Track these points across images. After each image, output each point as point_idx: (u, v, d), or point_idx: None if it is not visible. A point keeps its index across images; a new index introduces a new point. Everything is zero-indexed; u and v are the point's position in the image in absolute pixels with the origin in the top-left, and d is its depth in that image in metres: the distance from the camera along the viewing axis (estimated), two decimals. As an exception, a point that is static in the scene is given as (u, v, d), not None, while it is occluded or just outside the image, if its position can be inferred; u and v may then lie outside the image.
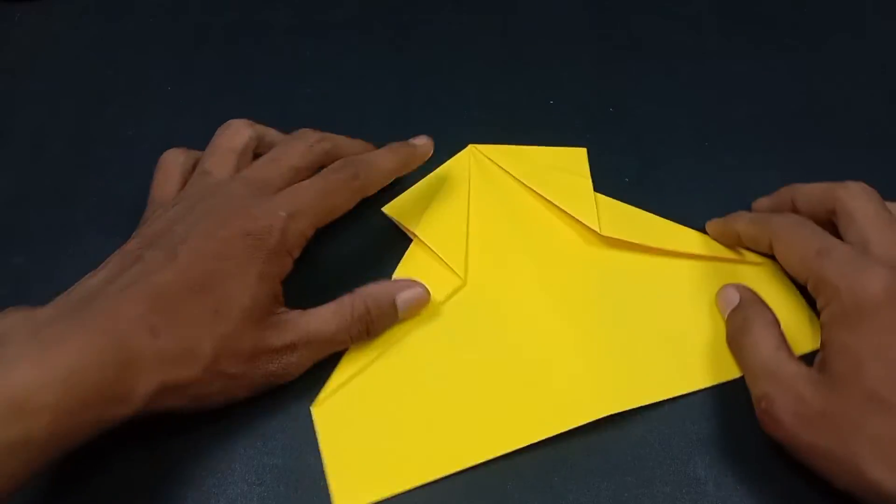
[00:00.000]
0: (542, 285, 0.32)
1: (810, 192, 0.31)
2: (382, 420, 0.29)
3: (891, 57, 0.42)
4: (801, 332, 0.30)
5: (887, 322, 0.24)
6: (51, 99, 0.41)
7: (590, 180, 0.35)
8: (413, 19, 0.44)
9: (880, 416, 0.23)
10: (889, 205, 0.29)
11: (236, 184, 0.29)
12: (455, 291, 0.32)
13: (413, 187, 0.36)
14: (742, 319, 0.29)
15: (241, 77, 0.42)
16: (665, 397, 0.29)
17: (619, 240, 0.33)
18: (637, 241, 0.32)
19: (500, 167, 0.36)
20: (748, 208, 0.35)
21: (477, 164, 0.36)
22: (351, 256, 0.34)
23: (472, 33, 0.44)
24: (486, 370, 0.30)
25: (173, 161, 0.32)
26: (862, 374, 0.24)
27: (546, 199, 0.34)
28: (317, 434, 0.28)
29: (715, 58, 0.42)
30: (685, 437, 0.28)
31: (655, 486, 0.27)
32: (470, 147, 0.37)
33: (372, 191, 0.30)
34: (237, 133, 0.32)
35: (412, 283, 0.30)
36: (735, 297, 0.30)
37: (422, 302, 0.30)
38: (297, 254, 0.28)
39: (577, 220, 0.33)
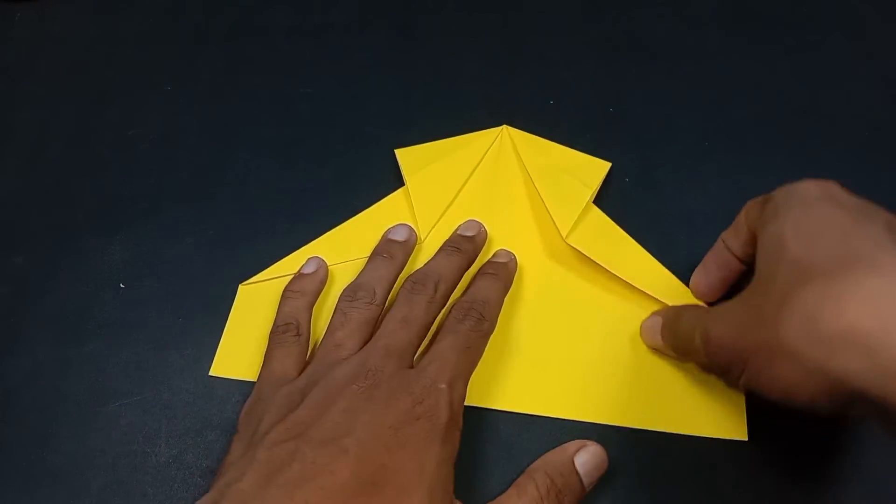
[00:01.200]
0: None
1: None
2: None
3: (891, 57, 0.42)
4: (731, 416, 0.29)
5: (813, 212, 0.24)
6: (51, 99, 0.41)
7: (591, 191, 0.34)
8: (413, 19, 0.44)
9: (804, 285, 0.22)
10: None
11: (378, 358, 0.26)
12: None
13: (433, 143, 0.37)
14: (673, 314, 0.29)
15: (241, 77, 0.42)
16: (561, 416, 0.29)
17: (587, 263, 0.32)
18: (599, 261, 0.31)
19: (517, 153, 0.36)
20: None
21: (499, 144, 0.37)
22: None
23: (472, 33, 0.43)
24: None
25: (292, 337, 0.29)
26: (785, 251, 0.23)
27: (540, 196, 0.34)
28: (232, 307, 0.32)
29: (715, 58, 0.42)
30: (685, 436, 0.28)
31: (655, 485, 0.27)
32: (503, 127, 0.37)
33: (494, 326, 0.29)
34: (367, 308, 0.29)
35: (585, 443, 0.27)
36: (657, 321, 0.30)
37: (602, 465, 0.27)
38: (461, 424, 0.25)
39: (555, 226, 0.33)
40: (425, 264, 0.31)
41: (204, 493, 0.27)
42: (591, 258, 0.32)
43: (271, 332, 0.29)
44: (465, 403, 0.27)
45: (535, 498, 0.25)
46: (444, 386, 0.25)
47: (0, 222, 0.36)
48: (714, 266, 0.30)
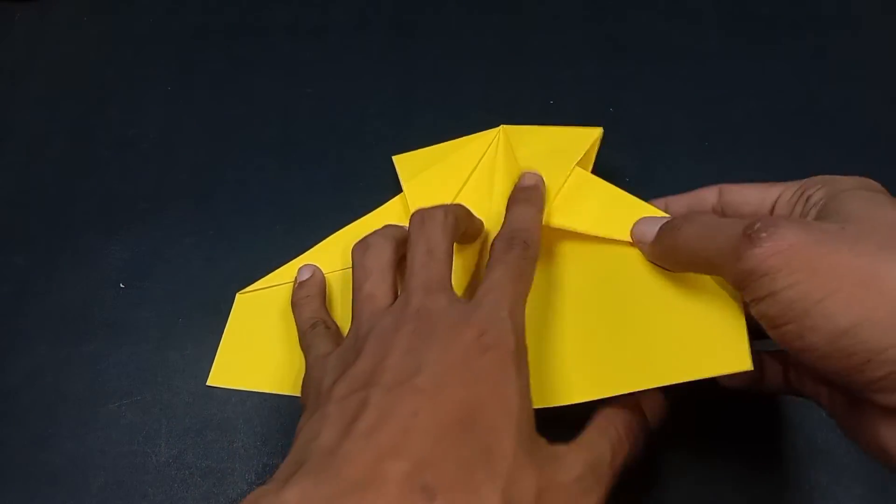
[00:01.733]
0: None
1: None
2: (288, 330, 0.30)
3: (890, 57, 0.42)
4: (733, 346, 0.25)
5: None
6: (51, 99, 0.41)
7: (576, 159, 0.32)
8: (413, 19, 0.44)
9: None
10: None
11: (421, 296, 0.24)
12: None
13: (430, 147, 0.36)
14: (677, 221, 0.25)
15: (241, 77, 0.42)
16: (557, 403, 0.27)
17: (590, 248, 0.30)
18: (585, 231, 0.30)
19: (511, 147, 0.35)
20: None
21: (496, 144, 0.36)
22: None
23: (473, 33, 0.44)
24: None
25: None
26: (886, 205, 0.21)
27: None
28: (229, 316, 0.32)
29: (715, 58, 0.42)
30: (684, 436, 0.29)
31: (655, 486, 0.27)
32: (501, 127, 0.36)
33: (538, 251, 0.27)
34: (382, 250, 0.27)
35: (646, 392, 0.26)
36: (653, 225, 0.26)
37: (665, 411, 0.26)
38: (527, 352, 0.24)
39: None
40: None
41: (204, 493, 0.27)
42: (580, 231, 0.30)
43: (300, 337, 0.29)
44: None
45: (616, 438, 0.24)
46: (505, 314, 0.23)
47: (0, 222, 0.36)
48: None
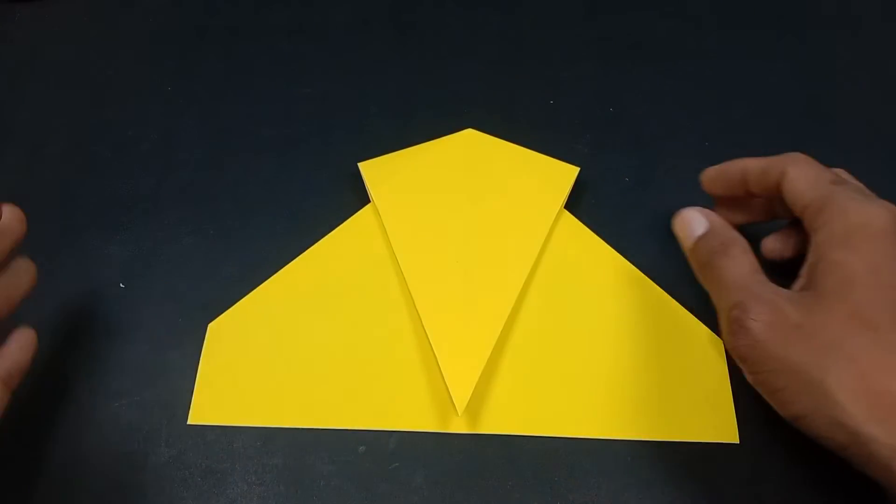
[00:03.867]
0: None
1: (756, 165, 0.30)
2: (265, 355, 0.31)
3: (890, 56, 0.42)
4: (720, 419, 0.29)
5: (889, 250, 0.24)
6: (51, 99, 0.41)
7: (562, 199, 0.34)
8: (413, 19, 0.44)
9: (862, 337, 0.22)
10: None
11: None
12: (380, 261, 0.33)
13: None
14: (719, 243, 0.27)
15: (241, 77, 0.42)
16: (558, 434, 0.28)
17: (565, 272, 0.32)
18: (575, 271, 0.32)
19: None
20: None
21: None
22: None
23: (473, 33, 0.44)
24: (378, 344, 0.31)
25: None
26: (852, 291, 0.23)
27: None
28: (203, 348, 0.31)
29: (715, 58, 0.42)
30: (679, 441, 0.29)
31: (655, 486, 0.27)
32: (468, 131, 0.36)
33: None
34: None
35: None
36: (702, 223, 0.29)
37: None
38: None
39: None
40: None
41: (204, 493, 0.27)
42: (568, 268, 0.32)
43: None
44: (478, 431, 0.28)
45: None
46: None
47: (0, 222, 0.36)
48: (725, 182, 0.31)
